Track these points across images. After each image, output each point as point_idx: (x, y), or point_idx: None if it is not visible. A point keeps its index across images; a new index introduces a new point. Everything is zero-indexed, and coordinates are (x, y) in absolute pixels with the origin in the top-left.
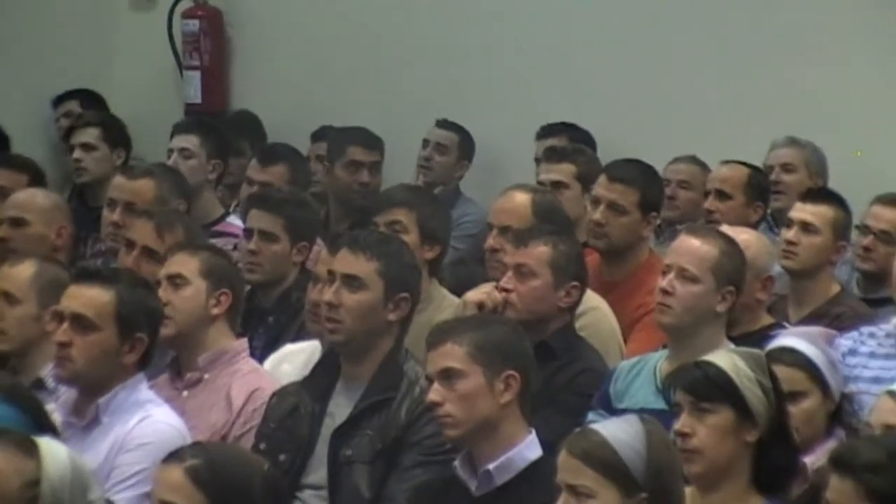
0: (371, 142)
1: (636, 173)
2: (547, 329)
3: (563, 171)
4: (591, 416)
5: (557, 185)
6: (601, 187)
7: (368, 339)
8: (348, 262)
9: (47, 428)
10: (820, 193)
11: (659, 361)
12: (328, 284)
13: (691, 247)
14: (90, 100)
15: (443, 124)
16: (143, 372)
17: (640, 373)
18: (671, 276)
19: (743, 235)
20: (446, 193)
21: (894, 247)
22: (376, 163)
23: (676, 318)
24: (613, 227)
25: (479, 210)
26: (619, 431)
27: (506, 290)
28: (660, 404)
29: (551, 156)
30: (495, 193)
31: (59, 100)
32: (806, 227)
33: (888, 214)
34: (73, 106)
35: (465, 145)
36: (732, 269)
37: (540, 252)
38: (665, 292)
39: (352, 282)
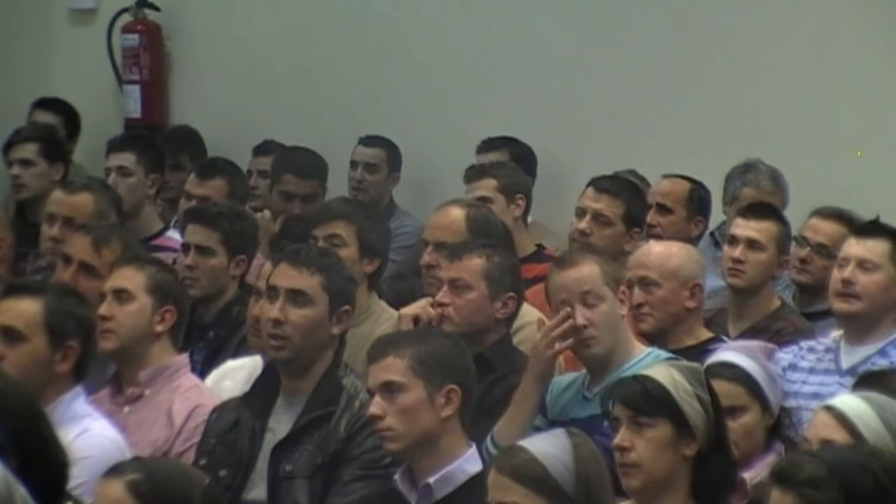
0: (308, 170)
1: (622, 187)
2: (484, 341)
3: (485, 187)
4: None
5: (483, 200)
6: (587, 198)
7: (313, 354)
8: (292, 277)
9: None
10: (761, 209)
11: (584, 374)
12: (269, 300)
13: (578, 275)
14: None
15: (367, 142)
16: (81, 385)
17: (571, 387)
18: (581, 308)
19: (673, 248)
20: (381, 207)
21: (831, 260)
22: (311, 194)
23: (601, 344)
24: (597, 237)
25: (414, 222)
26: (546, 446)
27: (442, 304)
28: (585, 412)
29: (472, 176)
30: (430, 207)
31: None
32: (751, 244)
33: (826, 228)
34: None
35: (393, 157)
36: (613, 271)
37: (474, 265)
38: (584, 327)
39: (297, 297)
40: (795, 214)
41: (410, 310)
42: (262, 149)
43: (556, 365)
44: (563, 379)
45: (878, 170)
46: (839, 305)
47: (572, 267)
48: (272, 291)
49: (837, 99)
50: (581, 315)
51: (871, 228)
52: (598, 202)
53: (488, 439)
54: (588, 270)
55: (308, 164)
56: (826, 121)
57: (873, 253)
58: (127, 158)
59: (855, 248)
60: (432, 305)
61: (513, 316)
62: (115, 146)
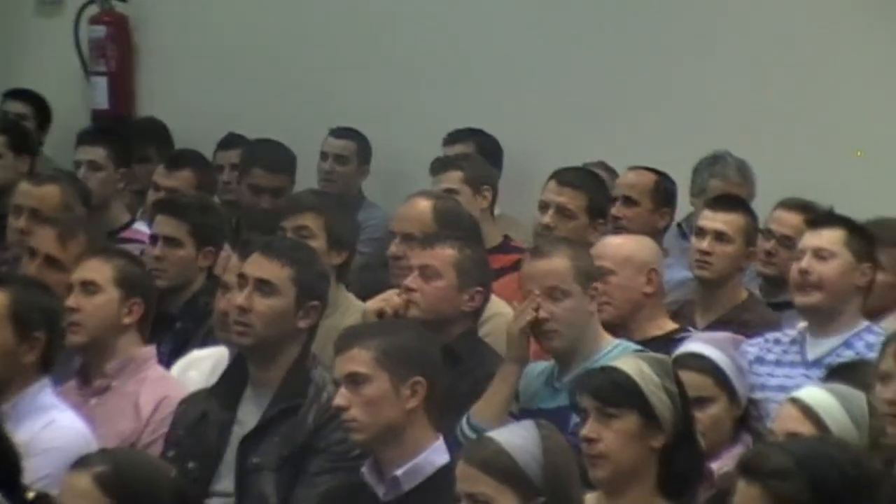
0: (277, 164)
1: (585, 179)
2: (450, 332)
3: (451, 179)
4: None
5: (449, 192)
6: (549, 192)
7: (277, 346)
8: (261, 266)
9: None
10: (729, 201)
11: (554, 364)
12: (239, 289)
13: (548, 266)
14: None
15: (338, 133)
16: (47, 377)
17: (541, 375)
18: (545, 301)
19: (628, 238)
20: (349, 199)
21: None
22: (280, 188)
23: (563, 339)
24: (562, 231)
25: (382, 213)
26: (514, 437)
27: (410, 289)
28: (553, 403)
29: (438, 168)
30: (398, 199)
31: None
32: (719, 236)
33: (791, 220)
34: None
35: (363, 150)
36: (588, 267)
37: (446, 254)
38: (545, 319)
39: (264, 287)
40: (762, 207)
41: (374, 304)
42: (227, 143)
43: (528, 346)
44: (536, 366)
45: (842, 162)
46: (799, 299)
47: (543, 258)
48: (242, 279)
49: (804, 91)
50: (544, 308)
51: (824, 219)
52: (561, 195)
53: (464, 420)
54: (558, 264)
55: (277, 158)
56: (792, 113)
57: (827, 241)
58: (97, 153)
59: (809, 239)
60: (398, 293)
61: (479, 310)
62: (85, 139)
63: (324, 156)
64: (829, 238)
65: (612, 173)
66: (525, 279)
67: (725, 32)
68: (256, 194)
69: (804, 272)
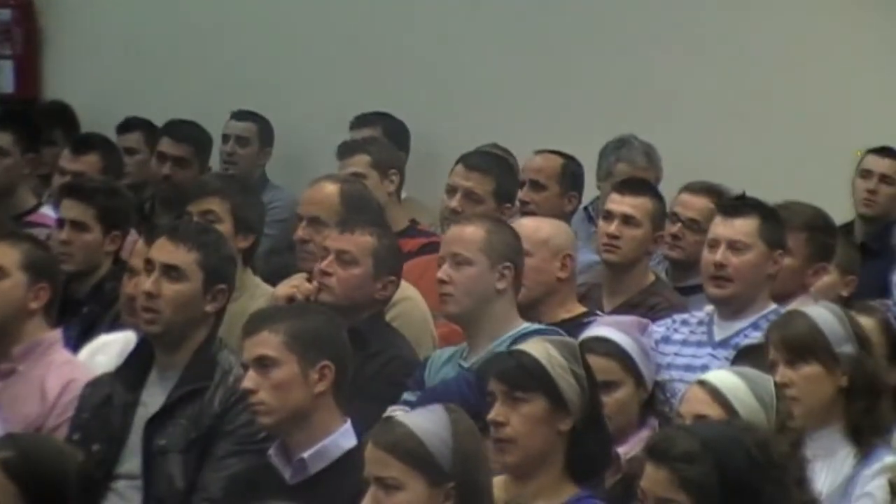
0: (183, 135)
1: (493, 163)
2: (358, 317)
3: (358, 163)
4: (406, 395)
5: (356, 176)
6: (457, 176)
7: (184, 330)
8: (168, 251)
9: None
10: (636, 185)
11: (464, 346)
12: (146, 274)
13: (459, 233)
14: None
15: (239, 116)
16: None
17: (452, 359)
18: (445, 265)
19: (543, 222)
20: (252, 181)
21: (702, 235)
22: (183, 159)
23: (459, 305)
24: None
25: (286, 196)
26: (424, 421)
27: (325, 273)
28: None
29: (345, 151)
30: (304, 182)
31: None
32: (627, 219)
33: (696, 203)
34: None
35: (265, 132)
36: (502, 244)
37: (364, 241)
38: (442, 282)
39: (171, 272)
40: (668, 190)
41: (284, 291)
42: (126, 126)
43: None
44: (443, 353)
45: (842, 162)
46: (713, 291)
47: (460, 225)
48: (149, 265)
49: (707, 74)
50: (444, 271)
51: (737, 206)
52: (469, 180)
53: None
54: (470, 233)
55: (185, 130)
56: (697, 96)
57: (742, 232)
58: (3, 138)
59: (723, 228)
60: (309, 280)
61: (389, 299)
62: None
63: (225, 138)
64: (744, 229)
65: (509, 155)
66: (441, 243)
67: (625, 17)
68: (161, 162)
69: (719, 266)
